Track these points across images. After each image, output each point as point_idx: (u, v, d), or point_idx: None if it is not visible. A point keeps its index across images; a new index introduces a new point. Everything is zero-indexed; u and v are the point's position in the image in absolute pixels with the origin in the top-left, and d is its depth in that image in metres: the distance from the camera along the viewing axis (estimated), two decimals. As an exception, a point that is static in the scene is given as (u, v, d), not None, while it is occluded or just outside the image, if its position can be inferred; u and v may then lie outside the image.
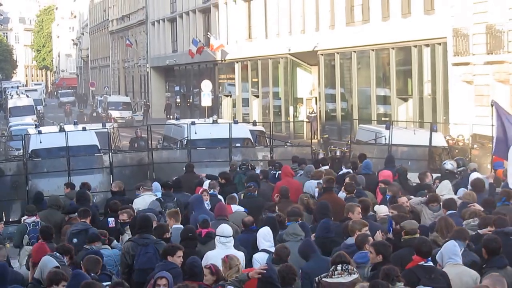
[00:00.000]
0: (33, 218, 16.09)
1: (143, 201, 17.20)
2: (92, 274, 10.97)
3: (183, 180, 19.14)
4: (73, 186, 19.67)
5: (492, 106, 18.19)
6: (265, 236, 12.55)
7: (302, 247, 11.82)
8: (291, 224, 13.22)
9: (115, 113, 65.88)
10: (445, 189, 16.58)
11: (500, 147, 17.94)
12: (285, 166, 20.11)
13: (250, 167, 21.59)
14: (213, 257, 11.85)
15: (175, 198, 17.24)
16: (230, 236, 12.35)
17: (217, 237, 12.36)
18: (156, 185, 18.03)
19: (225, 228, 12.41)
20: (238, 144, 25.77)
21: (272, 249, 12.07)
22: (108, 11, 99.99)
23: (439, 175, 20.13)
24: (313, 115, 48.16)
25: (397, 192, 16.50)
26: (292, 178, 19.17)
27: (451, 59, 34.45)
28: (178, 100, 73.48)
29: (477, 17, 32.69)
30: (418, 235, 11.69)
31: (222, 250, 12.03)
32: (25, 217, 16.33)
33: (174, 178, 19.16)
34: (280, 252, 11.59)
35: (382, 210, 14.86)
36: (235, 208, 15.90)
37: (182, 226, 13.72)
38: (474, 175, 17.95)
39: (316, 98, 49.57)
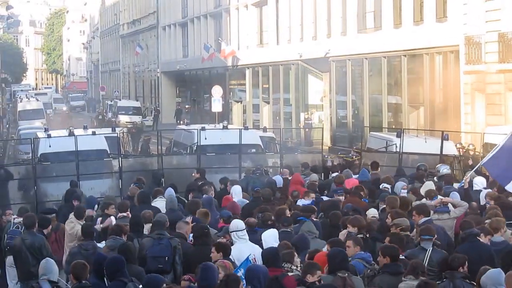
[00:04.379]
0: (21, 219, 15.77)
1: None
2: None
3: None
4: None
5: None
6: (270, 238, 12.68)
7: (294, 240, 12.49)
8: (306, 222, 13.79)
9: (124, 118, 65.31)
10: None
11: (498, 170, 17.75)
12: (296, 174, 20.18)
13: (264, 172, 21.80)
14: (236, 251, 12.12)
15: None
16: (244, 229, 12.73)
17: (233, 233, 12.63)
18: (170, 190, 17.78)
19: (238, 223, 12.87)
20: (253, 150, 25.76)
21: None
22: (119, 15, 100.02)
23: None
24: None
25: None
26: (302, 186, 19.04)
27: (463, 67, 34.25)
28: (188, 106, 73.38)
29: (490, 25, 32.51)
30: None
31: (241, 244, 12.37)
32: (15, 216, 16.15)
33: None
34: None
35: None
36: None
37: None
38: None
39: (329, 104, 49.35)
